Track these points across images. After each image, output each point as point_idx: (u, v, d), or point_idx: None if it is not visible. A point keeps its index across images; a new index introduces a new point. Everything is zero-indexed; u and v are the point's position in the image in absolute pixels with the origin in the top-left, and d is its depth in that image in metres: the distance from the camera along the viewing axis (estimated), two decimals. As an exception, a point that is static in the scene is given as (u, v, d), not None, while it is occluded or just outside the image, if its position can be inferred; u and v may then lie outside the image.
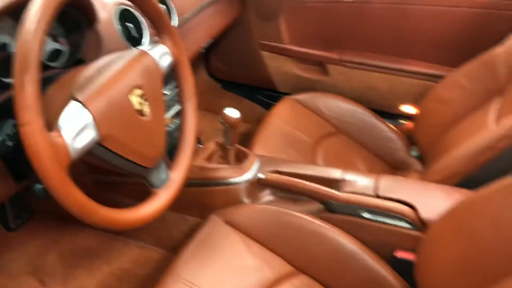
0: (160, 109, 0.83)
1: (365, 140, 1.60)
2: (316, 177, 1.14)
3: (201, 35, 1.56)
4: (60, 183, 0.61)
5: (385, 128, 1.61)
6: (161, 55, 0.85)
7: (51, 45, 0.92)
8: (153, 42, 1.09)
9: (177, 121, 1.18)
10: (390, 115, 1.76)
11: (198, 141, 1.36)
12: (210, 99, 2.11)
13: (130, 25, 1.08)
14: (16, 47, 0.57)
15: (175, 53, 0.89)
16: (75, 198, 0.63)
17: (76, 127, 0.64)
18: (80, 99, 0.66)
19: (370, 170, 1.51)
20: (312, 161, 1.47)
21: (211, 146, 1.30)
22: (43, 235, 1.39)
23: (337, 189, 1.08)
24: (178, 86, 0.94)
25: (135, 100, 0.75)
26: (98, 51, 0.98)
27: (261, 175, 1.17)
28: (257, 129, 1.54)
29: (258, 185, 1.19)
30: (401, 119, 1.78)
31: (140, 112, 0.76)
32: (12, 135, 0.68)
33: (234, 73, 2.10)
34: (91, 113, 0.66)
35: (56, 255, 1.33)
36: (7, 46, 0.82)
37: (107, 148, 0.70)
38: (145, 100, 0.77)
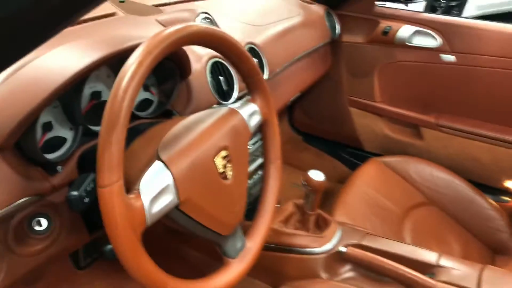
0: (244, 172, 0.77)
1: (461, 216, 1.42)
2: (406, 258, 1.00)
3: (290, 89, 1.52)
4: (131, 253, 0.56)
5: (485, 204, 1.42)
6: (250, 114, 0.80)
7: (142, 95, 0.91)
8: (243, 99, 1.06)
9: (256, 176, 1.12)
10: (491, 189, 1.58)
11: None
12: (290, 151, 2.05)
13: (221, 78, 1.06)
14: (107, 103, 0.54)
15: (265, 112, 0.84)
16: (144, 269, 0.58)
17: (156, 189, 0.59)
18: (163, 158, 0.62)
19: (466, 251, 1.33)
20: (399, 234, 1.32)
21: (289, 207, 1.21)
22: (110, 277, 1.37)
23: (431, 276, 0.94)
24: (264, 145, 0.88)
25: (219, 162, 0.69)
26: (187, 102, 0.96)
27: (342, 249, 1.05)
28: (340, 191, 1.43)
29: (337, 258, 1.07)
30: (504, 195, 1.57)
31: (223, 175, 0.70)
32: (90, 191, 0.65)
33: (318, 127, 2.03)
34: (173, 175, 0.61)
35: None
36: (101, 94, 0.82)
37: (184, 213, 0.65)
38: (229, 162, 0.71)
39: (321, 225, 1.15)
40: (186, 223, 0.67)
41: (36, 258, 0.71)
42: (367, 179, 1.49)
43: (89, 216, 0.76)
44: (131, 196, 0.57)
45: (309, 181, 1.08)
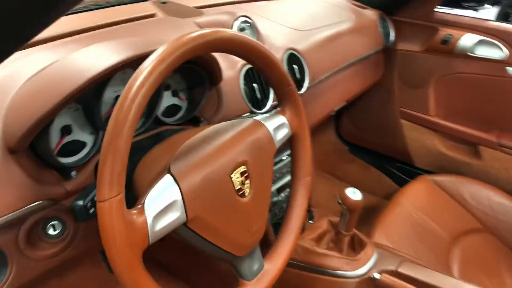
0: (265, 190, 0.71)
1: (520, 247, 1.28)
2: (450, 293, 0.90)
3: (334, 98, 1.44)
4: (129, 272, 0.52)
5: (548, 236, 1.27)
6: (277, 127, 0.74)
7: (170, 100, 0.88)
8: (272, 111, 1.01)
9: (282, 194, 1.06)
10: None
11: (309, 214, 1.21)
12: (334, 161, 1.96)
13: (255, 85, 1.01)
14: (113, 111, 0.51)
15: (294, 125, 0.78)
16: None
17: (161, 205, 0.55)
18: (173, 172, 0.58)
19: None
20: (445, 263, 1.21)
21: (323, 225, 1.14)
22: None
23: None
24: (293, 161, 0.82)
25: (236, 178, 0.64)
26: (217, 110, 0.92)
27: (376, 275, 0.97)
28: (383, 209, 1.33)
29: (370, 285, 0.99)
30: None
31: (240, 193, 0.65)
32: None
33: (366, 138, 1.93)
34: (181, 191, 0.57)
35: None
36: None
37: (193, 231, 0.60)
38: (247, 178, 0.66)
39: (356, 247, 1.07)
40: (195, 242, 0.62)
41: (48, 262, 0.69)
42: (415, 198, 1.38)
43: None
44: (134, 211, 0.53)
45: (344, 200, 1.00)
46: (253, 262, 0.72)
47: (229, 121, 0.72)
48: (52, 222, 0.70)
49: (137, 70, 0.52)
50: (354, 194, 1.01)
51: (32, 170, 0.65)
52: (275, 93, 0.76)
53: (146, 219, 0.53)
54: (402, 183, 1.48)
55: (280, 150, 0.76)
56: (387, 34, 1.66)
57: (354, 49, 1.48)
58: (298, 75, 1.15)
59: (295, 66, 1.14)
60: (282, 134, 0.75)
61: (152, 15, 1.10)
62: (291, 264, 1.08)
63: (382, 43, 1.63)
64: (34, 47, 0.82)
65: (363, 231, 1.17)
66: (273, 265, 0.75)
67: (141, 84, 0.51)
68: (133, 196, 0.61)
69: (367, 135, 1.92)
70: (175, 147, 0.65)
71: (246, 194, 0.66)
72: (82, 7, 1.06)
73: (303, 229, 1.15)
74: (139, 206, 0.54)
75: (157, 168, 0.61)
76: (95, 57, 0.68)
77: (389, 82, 1.74)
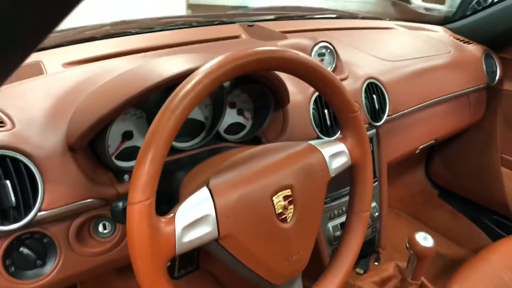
0: (311, 218, 0.67)
1: None
2: None
3: (420, 135, 1.33)
4: (149, 280, 0.52)
5: None
6: (334, 154, 0.70)
7: (235, 118, 0.88)
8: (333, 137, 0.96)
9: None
10: None
11: (376, 257, 1.12)
12: (421, 205, 1.81)
13: (326, 111, 0.97)
14: (155, 118, 0.52)
15: (355, 154, 0.72)
16: None
17: (192, 217, 0.54)
18: (210, 186, 0.57)
19: None
20: None
21: (389, 268, 1.04)
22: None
23: None
24: (351, 192, 0.76)
25: (278, 202, 0.61)
26: (281, 132, 0.90)
27: (442, 336, 0.85)
28: (467, 262, 1.18)
29: None
30: None
31: (282, 217, 0.62)
32: None
33: (458, 183, 1.75)
34: (215, 206, 0.56)
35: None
36: None
37: (225, 249, 0.58)
38: (290, 202, 0.63)
39: (423, 299, 0.96)
40: (227, 260, 0.60)
41: (93, 260, 0.72)
42: (508, 258, 1.20)
43: None
44: (163, 219, 0.53)
45: (413, 245, 0.91)
46: (291, 294, 0.68)
47: (283, 143, 0.70)
48: (104, 222, 0.73)
49: (184, 81, 0.53)
50: (425, 240, 0.91)
51: (88, 169, 0.69)
52: (338, 118, 0.72)
53: (174, 229, 0.53)
54: (496, 238, 1.30)
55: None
56: (492, 72, 1.51)
57: (448, 84, 1.36)
58: (377, 106, 1.09)
59: (374, 96, 1.09)
60: (339, 163, 0.70)
61: (236, 37, 1.14)
62: (347, 305, 1.00)
63: (484, 81, 1.49)
64: (120, 57, 0.89)
65: (439, 284, 1.05)
66: None
67: (184, 96, 0.51)
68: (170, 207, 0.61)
69: (461, 180, 1.74)
70: (222, 162, 0.64)
71: (288, 220, 0.63)
72: (173, 25, 1.13)
73: (366, 270, 1.07)
74: (171, 215, 0.54)
75: (198, 181, 0.61)
76: (157, 68, 0.70)
77: (490, 124, 1.57)
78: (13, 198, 0.60)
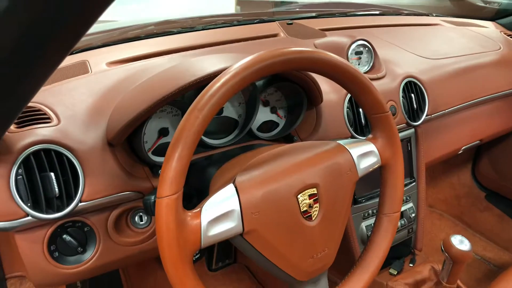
0: (337, 217, 0.67)
1: None
2: None
3: (463, 135, 1.29)
4: (175, 270, 0.55)
5: None
6: (363, 154, 0.70)
7: (268, 116, 0.90)
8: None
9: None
10: None
11: (411, 258, 1.10)
12: (466, 207, 1.75)
13: (361, 110, 0.97)
14: (184, 116, 0.55)
15: (386, 155, 0.72)
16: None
17: (218, 212, 0.57)
18: (236, 183, 0.59)
19: None
20: None
21: (424, 271, 1.03)
22: (234, 285, 1.41)
23: None
24: (381, 193, 0.76)
25: (303, 200, 0.62)
26: (313, 131, 0.90)
27: None
28: (508, 269, 1.14)
29: None
30: None
31: (307, 215, 0.63)
32: None
33: (507, 186, 1.67)
34: (240, 202, 0.58)
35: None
36: (222, 109, 0.84)
37: (250, 244, 0.61)
38: (316, 201, 0.63)
39: (459, 304, 0.94)
40: (252, 255, 0.63)
41: (129, 249, 0.76)
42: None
43: None
44: (189, 213, 0.56)
45: (448, 248, 0.90)
46: (316, 291, 0.69)
47: (311, 141, 0.71)
48: (140, 213, 0.78)
49: (212, 82, 0.55)
50: (461, 243, 0.89)
51: (126, 164, 0.73)
52: (368, 118, 0.72)
53: (200, 222, 0.56)
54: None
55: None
56: (546, 70, 1.43)
57: (495, 83, 1.31)
58: (415, 105, 1.07)
59: (412, 95, 1.06)
60: (368, 163, 0.70)
61: (275, 35, 1.15)
62: (379, 306, 1.00)
63: (537, 80, 1.41)
64: (161, 57, 0.93)
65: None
66: None
67: (210, 96, 0.53)
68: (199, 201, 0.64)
69: (510, 182, 1.66)
70: (249, 159, 0.66)
71: (313, 218, 0.64)
72: (214, 24, 1.15)
73: (400, 271, 1.05)
74: (197, 209, 0.57)
75: (226, 178, 0.64)
76: (191, 68, 0.73)
77: None
78: (56, 189, 0.65)
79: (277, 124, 0.92)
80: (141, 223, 0.78)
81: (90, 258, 0.73)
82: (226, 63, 0.71)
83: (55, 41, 0.34)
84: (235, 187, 0.59)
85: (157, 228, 0.54)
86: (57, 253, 0.71)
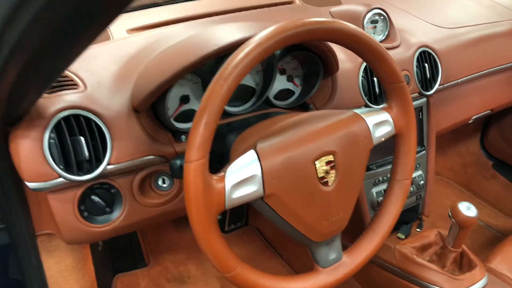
0: (352, 183, 0.71)
1: None
2: None
3: (472, 105, 1.30)
4: (202, 228, 0.59)
5: None
6: (378, 123, 0.72)
7: (284, 85, 0.92)
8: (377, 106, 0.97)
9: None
10: None
11: (419, 223, 1.15)
12: (473, 175, 1.78)
13: (376, 79, 0.99)
14: (209, 85, 0.57)
15: (400, 124, 0.75)
16: (212, 247, 0.60)
17: (241, 177, 0.61)
18: (257, 149, 0.63)
19: None
20: None
21: (430, 235, 1.07)
22: (246, 245, 1.47)
23: None
24: (394, 161, 0.79)
25: (321, 166, 0.66)
26: (329, 99, 0.93)
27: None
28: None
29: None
30: None
31: (323, 181, 0.66)
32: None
33: (515, 155, 1.70)
34: (262, 167, 0.61)
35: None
36: None
37: (269, 206, 0.65)
38: (332, 168, 0.67)
39: (463, 266, 0.98)
40: (272, 217, 0.67)
41: (153, 210, 0.81)
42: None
43: None
44: (215, 177, 0.59)
45: (455, 214, 0.93)
46: (330, 251, 0.73)
47: (328, 110, 0.73)
48: (163, 176, 0.81)
49: (235, 52, 0.57)
50: (468, 209, 0.93)
51: (150, 129, 0.77)
52: (384, 87, 0.74)
53: (225, 186, 0.59)
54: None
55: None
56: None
57: (509, 53, 1.31)
58: (428, 75, 1.08)
59: (426, 65, 1.08)
60: (382, 132, 0.73)
61: (290, 2, 1.15)
62: (386, 267, 1.04)
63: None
64: (179, 24, 0.94)
65: (482, 254, 1.06)
66: (351, 259, 0.75)
67: (235, 66, 0.56)
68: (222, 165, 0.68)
69: (517, 152, 1.69)
70: (269, 127, 0.69)
71: (330, 184, 0.67)
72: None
73: (407, 235, 1.10)
74: (221, 173, 0.60)
75: (247, 144, 0.67)
76: (212, 37, 0.75)
77: None
78: (86, 153, 0.69)
79: (292, 92, 0.94)
80: (164, 185, 0.82)
81: (117, 218, 0.78)
82: (246, 33, 0.73)
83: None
84: (257, 153, 0.62)
85: (185, 191, 0.57)
86: (86, 212, 0.75)
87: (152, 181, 0.81)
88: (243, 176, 0.61)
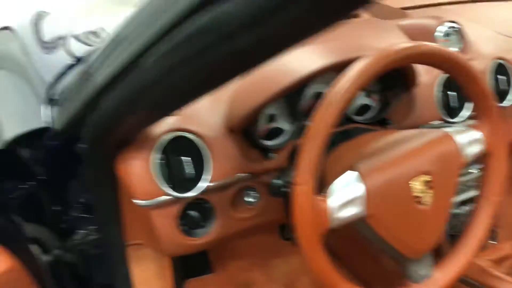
0: (445, 201, 0.73)
1: None
2: None
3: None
4: (310, 247, 0.62)
5: None
6: (470, 142, 0.74)
7: (363, 100, 0.93)
8: (468, 122, 0.97)
9: (466, 208, 1.02)
10: None
11: (493, 234, 1.14)
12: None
13: (452, 93, 0.99)
14: (317, 112, 0.60)
15: (490, 143, 0.76)
16: (319, 266, 0.64)
17: (345, 198, 0.63)
18: (360, 170, 0.65)
19: None
20: None
21: (506, 248, 1.07)
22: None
23: None
24: (483, 178, 0.79)
25: (416, 186, 0.68)
26: (407, 114, 0.94)
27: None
28: None
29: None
30: None
31: (418, 200, 0.68)
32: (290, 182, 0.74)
33: None
34: (366, 188, 0.64)
35: (310, 279, 1.39)
36: (321, 95, 0.89)
37: (369, 226, 0.67)
38: (429, 188, 0.69)
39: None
40: (370, 236, 0.69)
41: (243, 223, 0.85)
42: None
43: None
44: (319, 198, 0.63)
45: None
46: (422, 267, 0.75)
47: (418, 130, 0.75)
48: (251, 192, 0.85)
49: (340, 81, 0.61)
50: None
51: (242, 148, 0.81)
52: (475, 107, 0.76)
53: (328, 205, 0.62)
54: None
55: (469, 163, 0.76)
56: None
57: None
58: (502, 86, 1.07)
59: (500, 77, 1.07)
60: (474, 150, 0.75)
61: (356, 15, 1.17)
62: (462, 280, 1.05)
63: None
64: None
65: None
66: (443, 275, 0.76)
67: (343, 94, 0.60)
68: (318, 184, 0.71)
69: None
70: (363, 146, 0.72)
71: (425, 203, 0.69)
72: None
73: (482, 248, 1.10)
74: (325, 194, 0.63)
75: (344, 163, 0.70)
76: (304, 60, 0.78)
77: None
78: (193, 171, 0.73)
79: (370, 107, 0.95)
80: (251, 200, 0.85)
81: (211, 231, 0.82)
82: (332, 58, 0.77)
83: None
84: (359, 173, 0.65)
85: (295, 213, 0.61)
86: (185, 227, 0.80)
87: (241, 196, 0.85)
88: (347, 196, 0.64)
